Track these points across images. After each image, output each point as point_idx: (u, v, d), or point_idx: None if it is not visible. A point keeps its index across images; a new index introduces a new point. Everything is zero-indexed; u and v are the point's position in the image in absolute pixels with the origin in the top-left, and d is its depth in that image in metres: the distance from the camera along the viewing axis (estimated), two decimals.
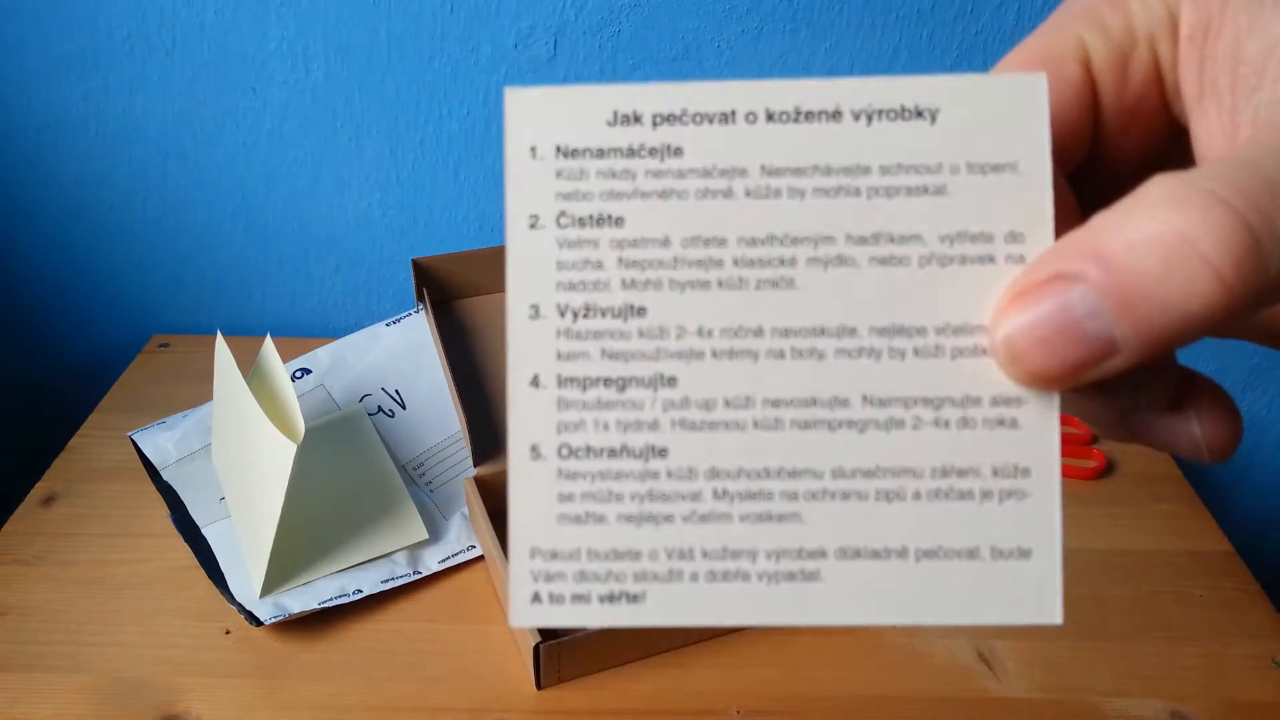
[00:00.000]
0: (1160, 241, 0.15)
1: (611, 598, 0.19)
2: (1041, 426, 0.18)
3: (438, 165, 0.70)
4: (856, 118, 0.18)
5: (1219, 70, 0.18)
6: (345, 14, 0.65)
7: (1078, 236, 0.17)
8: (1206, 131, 0.18)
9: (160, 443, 0.63)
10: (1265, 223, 0.15)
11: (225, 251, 0.75)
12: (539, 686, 0.49)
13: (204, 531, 0.58)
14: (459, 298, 0.64)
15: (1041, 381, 0.18)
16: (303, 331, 0.77)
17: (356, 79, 0.67)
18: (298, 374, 0.67)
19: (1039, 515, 0.18)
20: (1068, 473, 0.64)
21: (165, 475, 0.61)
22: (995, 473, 0.18)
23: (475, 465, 0.58)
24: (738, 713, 0.49)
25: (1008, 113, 0.18)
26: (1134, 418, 0.20)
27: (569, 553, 0.19)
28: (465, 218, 0.73)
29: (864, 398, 0.18)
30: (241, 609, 0.52)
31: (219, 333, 0.59)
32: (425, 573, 0.56)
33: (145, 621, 0.53)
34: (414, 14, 0.64)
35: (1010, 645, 0.52)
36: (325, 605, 0.53)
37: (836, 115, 0.18)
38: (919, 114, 0.18)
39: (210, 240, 0.74)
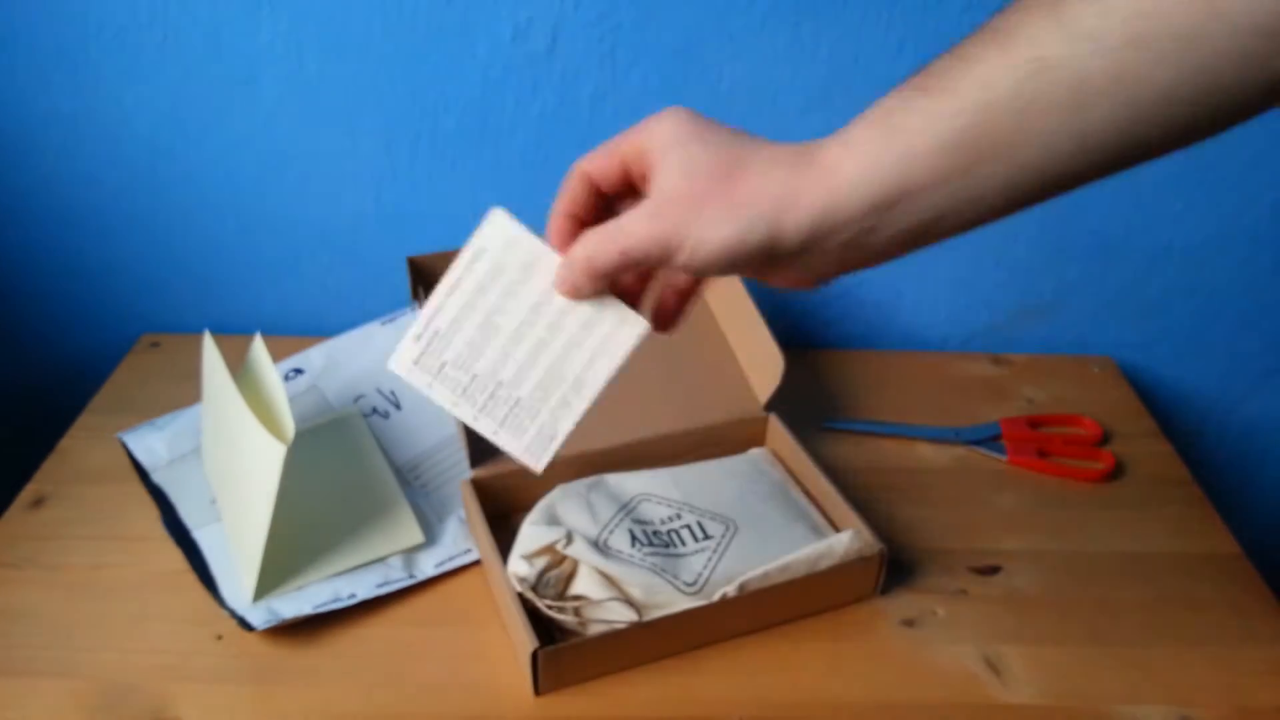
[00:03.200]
0: (611, 226, 0.35)
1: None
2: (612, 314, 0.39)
3: (434, 161, 0.69)
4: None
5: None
6: (339, 8, 0.63)
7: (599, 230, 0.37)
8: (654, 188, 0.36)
9: (150, 444, 0.62)
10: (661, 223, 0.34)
11: (217, 249, 0.74)
12: (537, 693, 0.48)
13: (195, 535, 0.57)
14: None
15: (586, 282, 0.37)
16: (296, 330, 0.76)
17: (350, 74, 0.66)
18: (291, 374, 0.66)
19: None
20: (1077, 474, 0.63)
21: (155, 477, 0.60)
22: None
23: (472, 467, 0.57)
24: None
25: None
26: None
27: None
28: (462, 215, 0.72)
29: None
30: (233, 614, 0.51)
31: (207, 332, 0.58)
32: (421, 577, 0.55)
33: (136, 626, 0.52)
34: (409, 7, 0.63)
35: (1018, 651, 0.51)
36: (319, 610, 0.52)
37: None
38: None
39: (201, 238, 0.73)
